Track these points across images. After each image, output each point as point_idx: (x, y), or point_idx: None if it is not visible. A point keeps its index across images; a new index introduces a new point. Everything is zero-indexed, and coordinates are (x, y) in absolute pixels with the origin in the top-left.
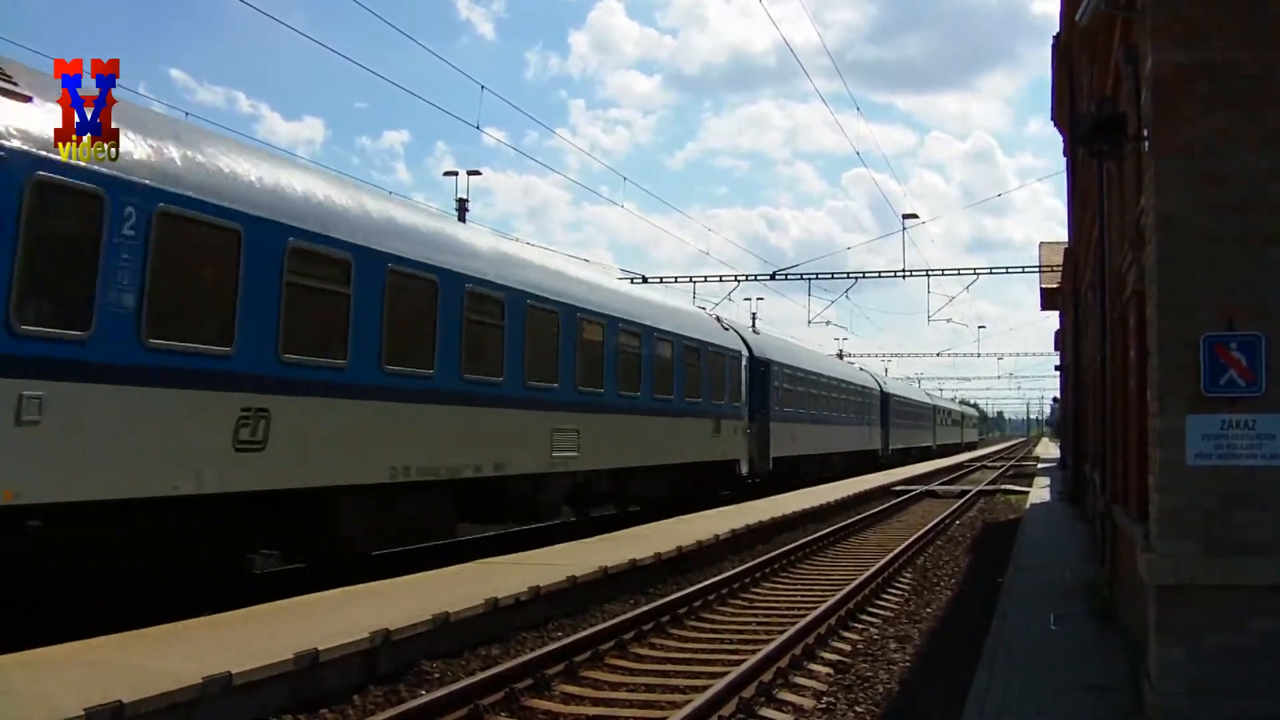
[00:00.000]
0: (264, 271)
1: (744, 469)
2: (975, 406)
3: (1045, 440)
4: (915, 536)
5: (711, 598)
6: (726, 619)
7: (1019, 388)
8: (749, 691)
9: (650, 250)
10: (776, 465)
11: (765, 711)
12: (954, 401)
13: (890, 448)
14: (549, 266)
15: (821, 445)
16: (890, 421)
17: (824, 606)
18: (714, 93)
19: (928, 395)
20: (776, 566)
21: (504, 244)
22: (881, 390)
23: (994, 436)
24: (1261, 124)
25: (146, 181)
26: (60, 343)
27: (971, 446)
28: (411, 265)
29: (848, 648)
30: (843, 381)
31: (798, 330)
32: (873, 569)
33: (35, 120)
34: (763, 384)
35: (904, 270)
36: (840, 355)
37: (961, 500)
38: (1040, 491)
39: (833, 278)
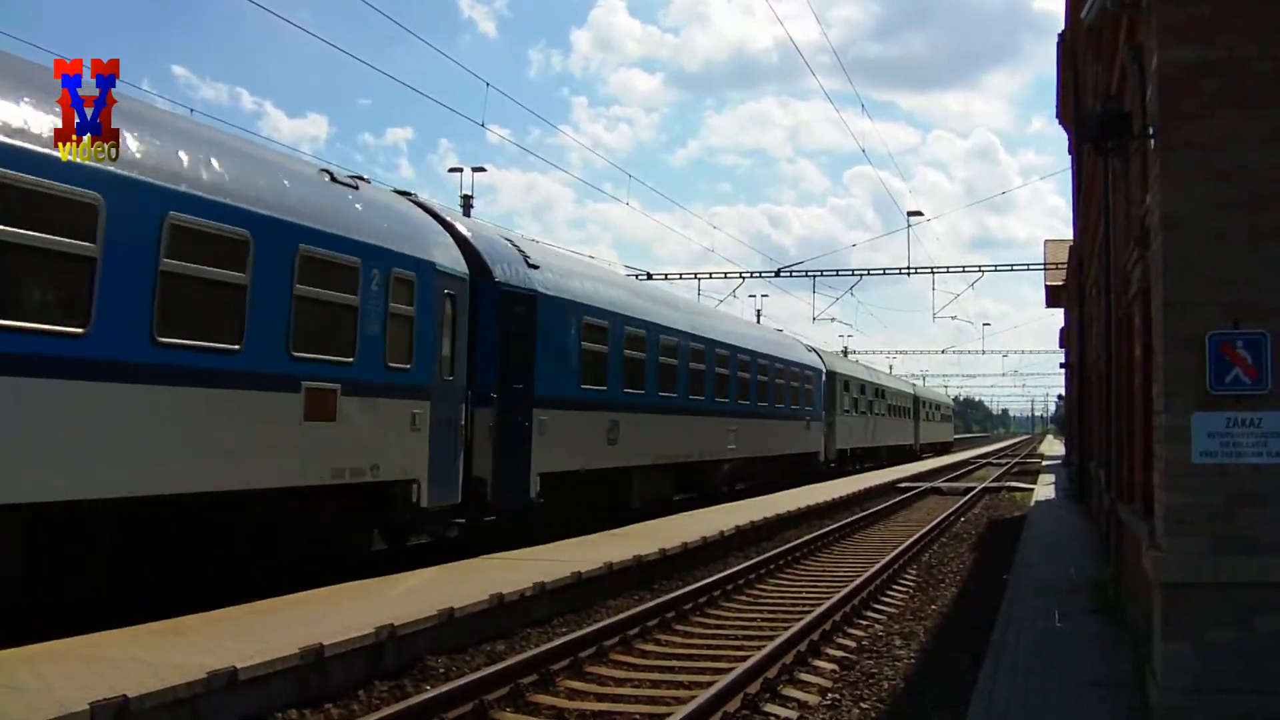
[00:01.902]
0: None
1: None
2: (979, 402)
3: (1050, 437)
4: (920, 533)
5: (716, 594)
6: (731, 615)
7: (1024, 385)
8: (754, 687)
9: (655, 247)
10: None
11: (770, 708)
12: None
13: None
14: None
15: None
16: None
17: (829, 603)
18: (716, 90)
19: (818, 354)
20: (781, 563)
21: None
22: (536, 292)
23: (999, 434)
24: (1268, 121)
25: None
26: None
27: (944, 450)
28: None
29: (853, 644)
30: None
31: (803, 327)
32: (877, 565)
33: None
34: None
35: (909, 267)
36: (845, 353)
37: (966, 497)
38: (1045, 489)
39: (837, 275)
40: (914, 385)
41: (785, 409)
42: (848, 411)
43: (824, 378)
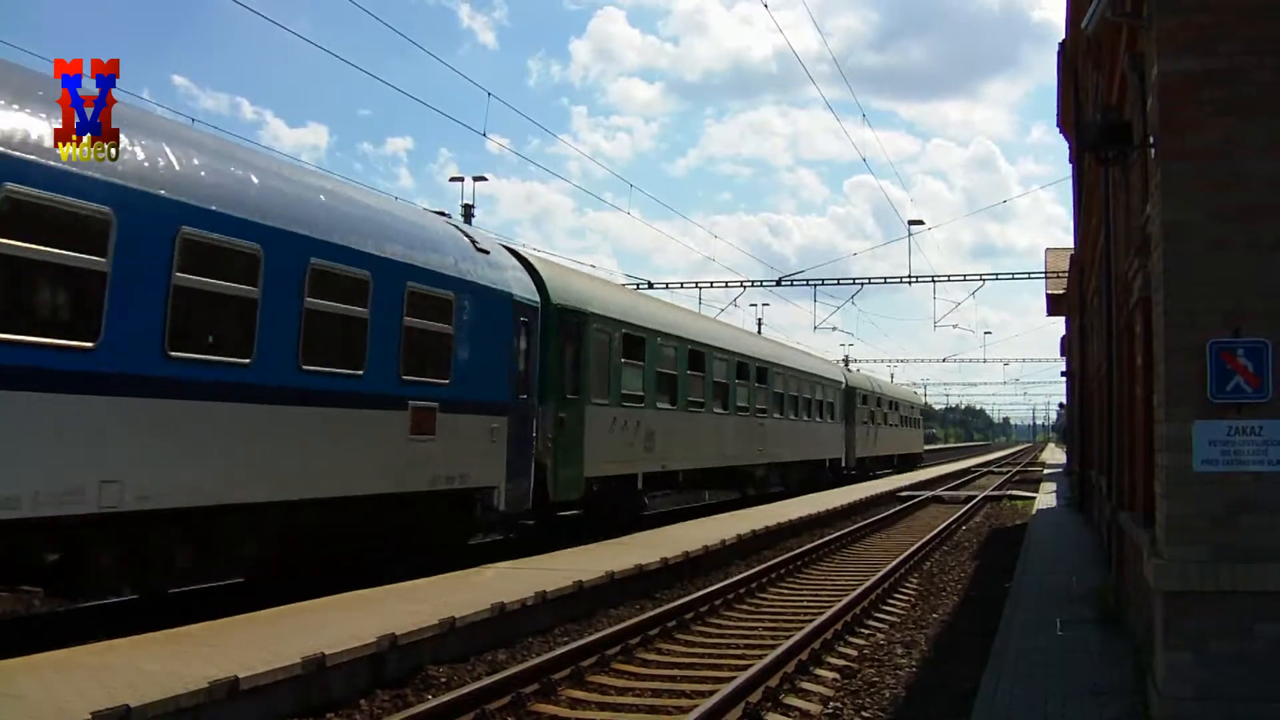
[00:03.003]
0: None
1: None
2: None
3: (1051, 446)
4: (921, 542)
5: (718, 603)
6: (733, 624)
7: (1025, 393)
8: (755, 697)
9: (655, 257)
10: None
11: (771, 717)
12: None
13: None
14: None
15: None
16: None
17: (830, 612)
18: (715, 99)
19: (528, 266)
20: (783, 571)
21: None
22: None
23: (999, 442)
24: (1267, 130)
25: None
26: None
27: (908, 464)
28: None
29: (854, 653)
30: None
31: (803, 336)
32: (879, 574)
33: None
34: None
35: (909, 276)
36: (846, 361)
37: (968, 506)
38: (1046, 497)
39: (839, 283)
40: (848, 371)
41: (331, 383)
42: (632, 401)
43: (539, 323)
